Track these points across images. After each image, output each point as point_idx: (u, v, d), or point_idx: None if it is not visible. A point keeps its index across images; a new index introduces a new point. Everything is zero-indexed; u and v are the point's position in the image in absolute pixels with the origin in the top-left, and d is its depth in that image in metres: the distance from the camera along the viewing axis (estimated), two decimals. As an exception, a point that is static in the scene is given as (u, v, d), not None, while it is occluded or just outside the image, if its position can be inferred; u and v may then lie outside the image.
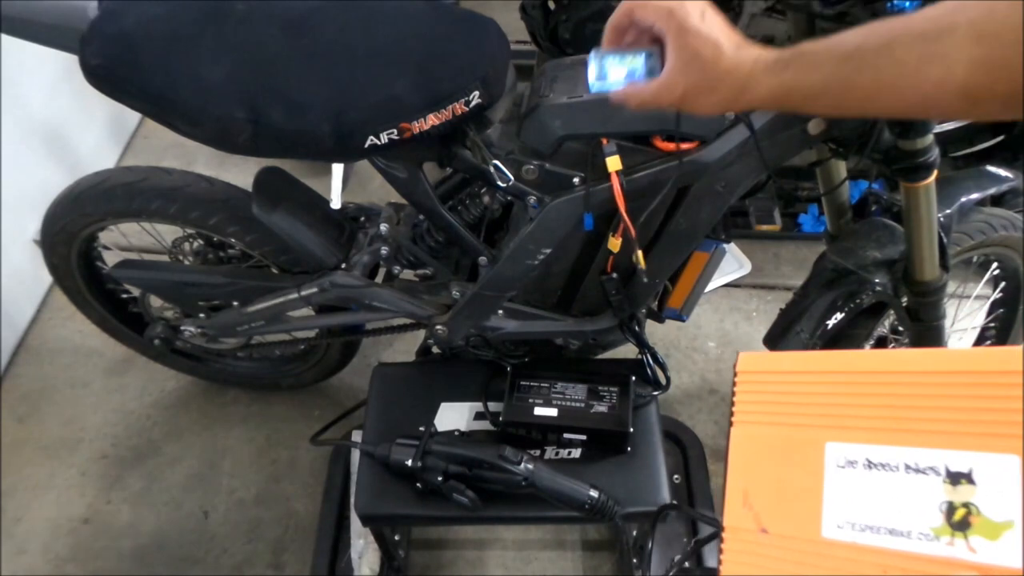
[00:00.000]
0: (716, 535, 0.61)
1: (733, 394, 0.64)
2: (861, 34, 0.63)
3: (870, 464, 0.53)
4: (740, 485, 0.60)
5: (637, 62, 0.74)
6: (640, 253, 1.06)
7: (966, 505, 0.48)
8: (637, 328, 1.25)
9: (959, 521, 0.48)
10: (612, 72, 0.74)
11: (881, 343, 1.37)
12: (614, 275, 1.15)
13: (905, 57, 0.59)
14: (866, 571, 0.51)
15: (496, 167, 1.04)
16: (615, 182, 1.00)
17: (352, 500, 1.31)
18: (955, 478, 0.49)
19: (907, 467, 0.52)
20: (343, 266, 1.23)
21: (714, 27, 0.69)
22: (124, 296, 1.59)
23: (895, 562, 0.50)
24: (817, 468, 0.56)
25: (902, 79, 0.59)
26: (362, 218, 1.30)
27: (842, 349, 1.23)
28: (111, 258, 1.45)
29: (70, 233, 1.37)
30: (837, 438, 0.56)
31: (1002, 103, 0.56)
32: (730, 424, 0.63)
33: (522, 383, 1.19)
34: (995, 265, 1.39)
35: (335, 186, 1.23)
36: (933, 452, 0.51)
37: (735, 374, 0.64)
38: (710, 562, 1.41)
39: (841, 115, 0.87)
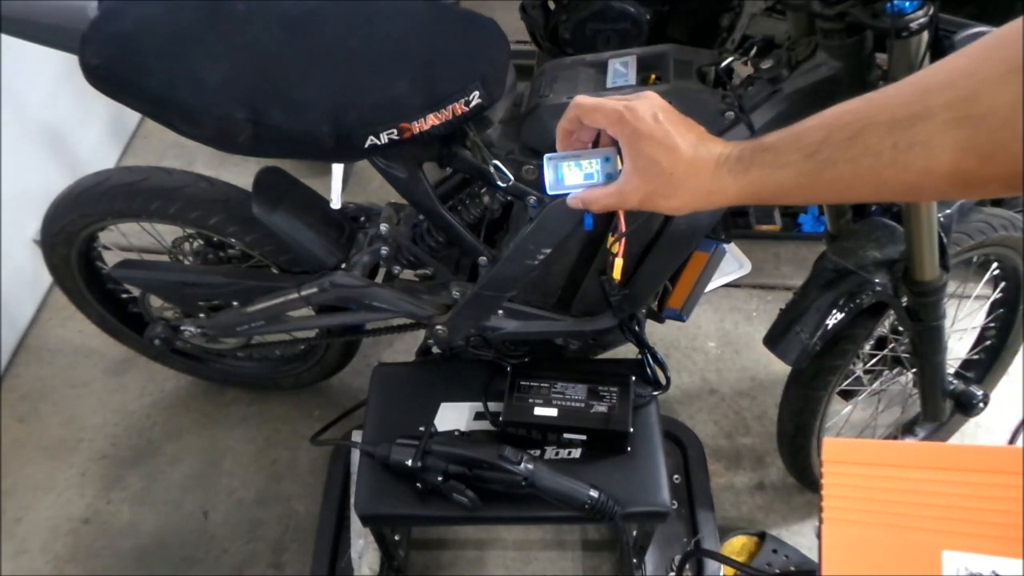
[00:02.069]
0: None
1: (821, 486, 0.59)
2: (824, 125, 0.60)
3: None
4: None
5: (594, 166, 0.72)
6: (619, 264, 1.03)
7: None
8: (637, 328, 1.25)
9: None
10: (569, 176, 0.73)
11: (881, 343, 1.37)
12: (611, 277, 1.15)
13: (879, 146, 0.55)
14: None
15: (496, 167, 1.04)
16: (615, 182, 1.00)
17: (352, 500, 1.32)
18: None
19: None
20: (343, 266, 1.23)
21: (669, 129, 0.66)
22: (124, 296, 1.59)
23: None
24: None
25: (878, 169, 0.56)
26: (362, 218, 1.30)
27: (842, 349, 1.23)
28: (111, 258, 1.45)
29: (70, 233, 1.37)
30: (954, 546, 0.50)
31: (1000, 185, 0.52)
32: (820, 521, 0.58)
33: (522, 383, 1.19)
34: (995, 265, 1.38)
35: (335, 186, 1.23)
36: None
37: (821, 464, 0.60)
38: (709, 563, 1.41)
39: (821, 203, 0.82)
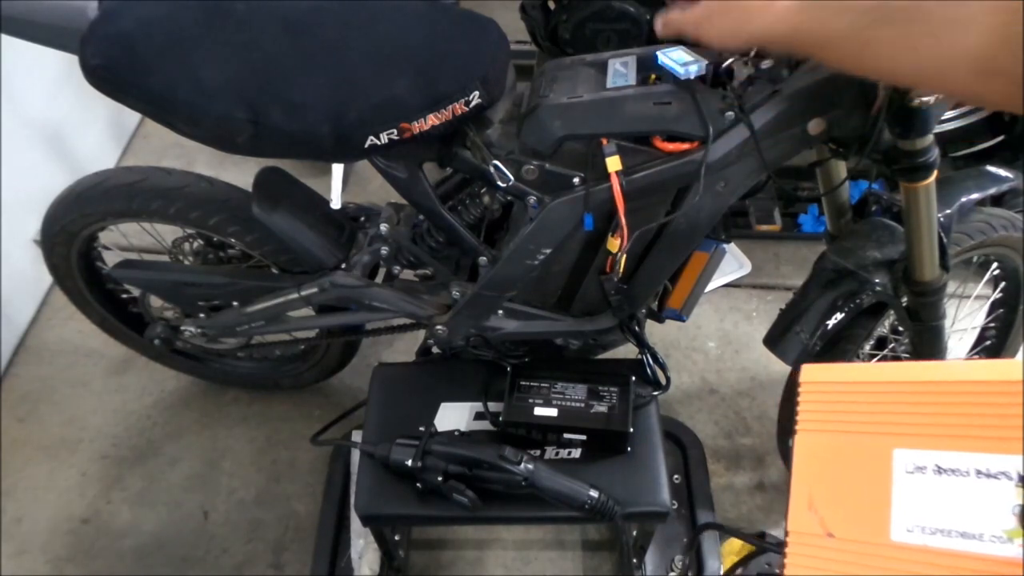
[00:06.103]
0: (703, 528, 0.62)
1: (797, 404, 0.66)
2: None
3: (940, 470, 0.54)
4: (804, 490, 0.61)
5: (690, 57, 0.95)
6: (623, 259, 1.06)
7: None
8: (637, 328, 1.25)
9: None
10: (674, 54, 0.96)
11: (881, 343, 1.37)
12: (614, 275, 1.15)
13: (930, 15, 0.60)
14: (937, 572, 0.52)
15: (496, 167, 1.04)
16: (615, 182, 1.00)
17: (352, 500, 1.32)
18: None
19: (978, 472, 0.52)
20: (343, 266, 1.23)
21: None
22: (124, 296, 1.59)
23: (967, 564, 0.51)
24: (885, 474, 0.57)
25: (923, 38, 0.60)
26: (362, 218, 1.30)
27: (842, 349, 1.23)
28: (111, 258, 1.45)
29: (70, 233, 1.37)
30: (904, 445, 0.57)
31: (1007, 82, 0.56)
32: (794, 432, 0.65)
33: (522, 383, 1.19)
34: (995, 265, 1.39)
35: (335, 186, 1.23)
36: (1004, 458, 0.52)
37: (799, 384, 0.66)
38: (709, 562, 1.41)
39: (854, 70, 0.86)
